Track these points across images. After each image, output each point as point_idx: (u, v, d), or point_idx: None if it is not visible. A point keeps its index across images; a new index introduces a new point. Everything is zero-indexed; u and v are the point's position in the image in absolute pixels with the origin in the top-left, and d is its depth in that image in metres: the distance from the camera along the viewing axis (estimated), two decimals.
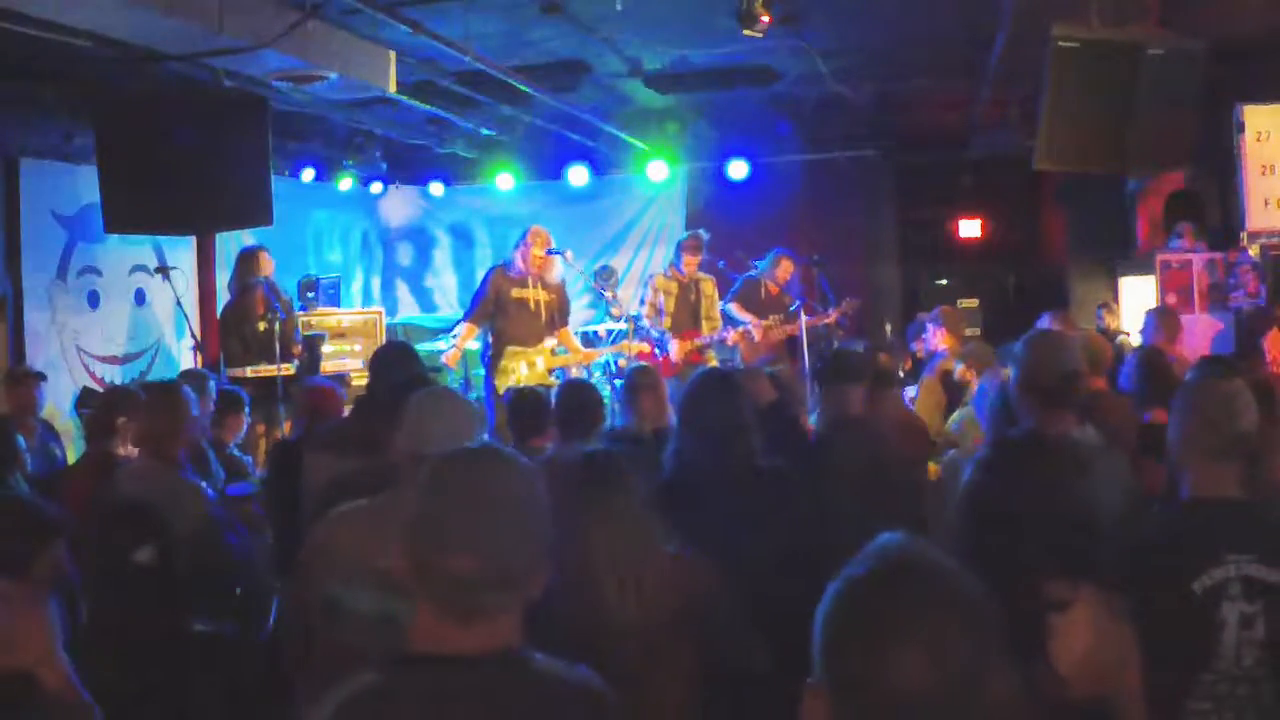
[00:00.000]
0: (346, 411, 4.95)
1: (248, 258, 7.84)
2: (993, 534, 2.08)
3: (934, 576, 1.26)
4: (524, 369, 7.41)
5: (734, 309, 8.49)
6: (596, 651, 2.44)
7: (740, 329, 8.25)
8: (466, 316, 7.67)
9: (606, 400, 8.07)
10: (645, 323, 8.21)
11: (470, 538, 1.58)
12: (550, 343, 7.62)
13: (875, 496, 3.47)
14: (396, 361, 4.47)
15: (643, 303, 8.43)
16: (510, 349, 7.46)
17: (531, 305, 7.50)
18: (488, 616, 1.60)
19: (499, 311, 7.50)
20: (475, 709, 1.58)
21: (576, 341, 7.94)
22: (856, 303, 8.34)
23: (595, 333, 9.52)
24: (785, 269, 8.46)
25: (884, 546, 1.30)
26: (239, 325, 7.69)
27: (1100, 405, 4.37)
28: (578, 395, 4.20)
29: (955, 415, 5.46)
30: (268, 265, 7.74)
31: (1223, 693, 2.33)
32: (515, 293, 7.48)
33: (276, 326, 7.34)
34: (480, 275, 11.02)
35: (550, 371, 7.50)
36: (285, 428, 6.74)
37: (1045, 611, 2.00)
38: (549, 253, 7.59)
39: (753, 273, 8.55)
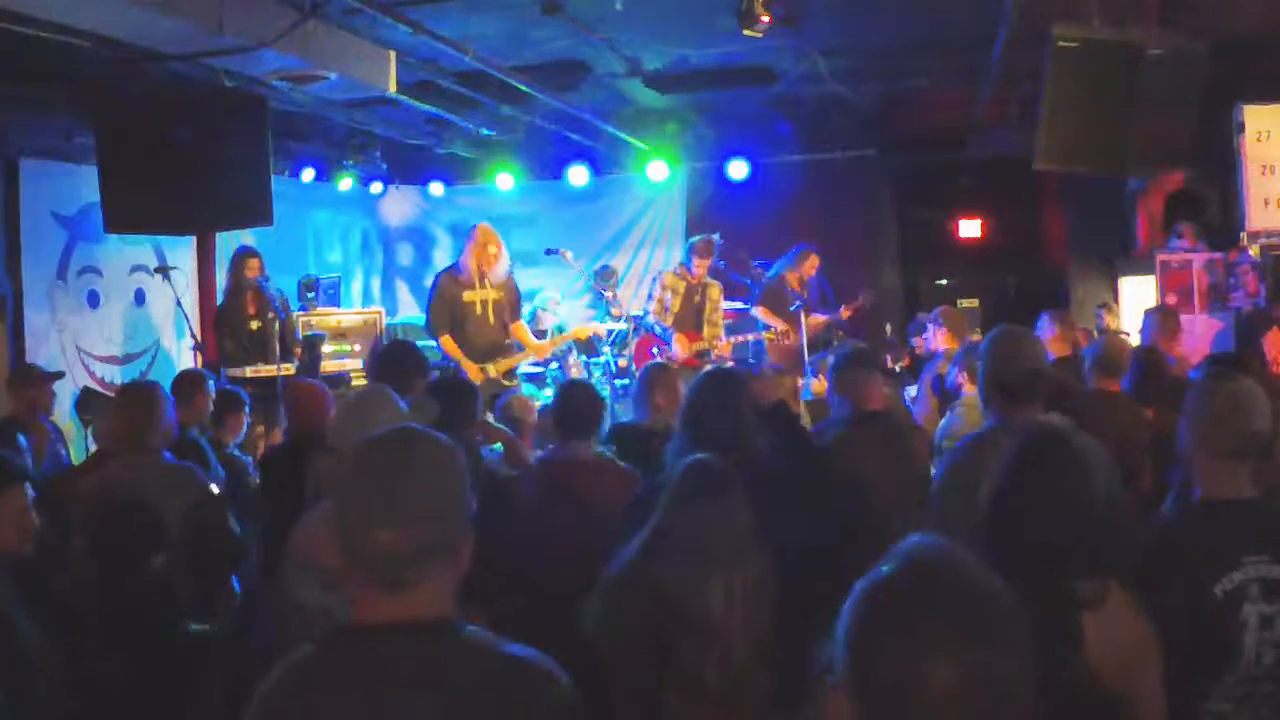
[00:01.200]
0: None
1: (234, 261, 7.87)
2: (1021, 532, 2.08)
3: (964, 581, 1.24)
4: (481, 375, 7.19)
5: (760, 313, 8.49)
6: (699, 655, 2.48)
7: (770, 330, 8.26)
8: (436, 332, 7.20)
9: (606, 400, 8.09)
10: (651, 319, 8.19)
11: (390, 512, 1.66)
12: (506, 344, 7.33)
13: (902, 490, 3.48)
14: (397, 360, 4.48)
15: (650, 298, 8.42)
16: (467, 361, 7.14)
17: (478, 308, 7.19)
18: (414, 587, 1.67)
19: (454, 318, 7.18)
20: (404, 673, 1.64)
21: (530, 336, 7.64)
22: (873, 295, 8.39)
23: (595, 333, 9.51)
24: (812, 264, 8.55)
25: (913, 548, 1.28)
26: (232, 326, 7.69)
27: (1111, 406, 4.45)
28: (577, 396, 4.19)
29: (941, 423, 5.45)
30: (252, 268, 7.72)
31: (1242, 694, 2.34)
32: (466, 296, 7.18)
33: (275, 327, 7.35)
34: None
35: (507, 373, 7.24)
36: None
37: (1078, 610, 2.01)
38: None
39: (778, 269, 8.58)
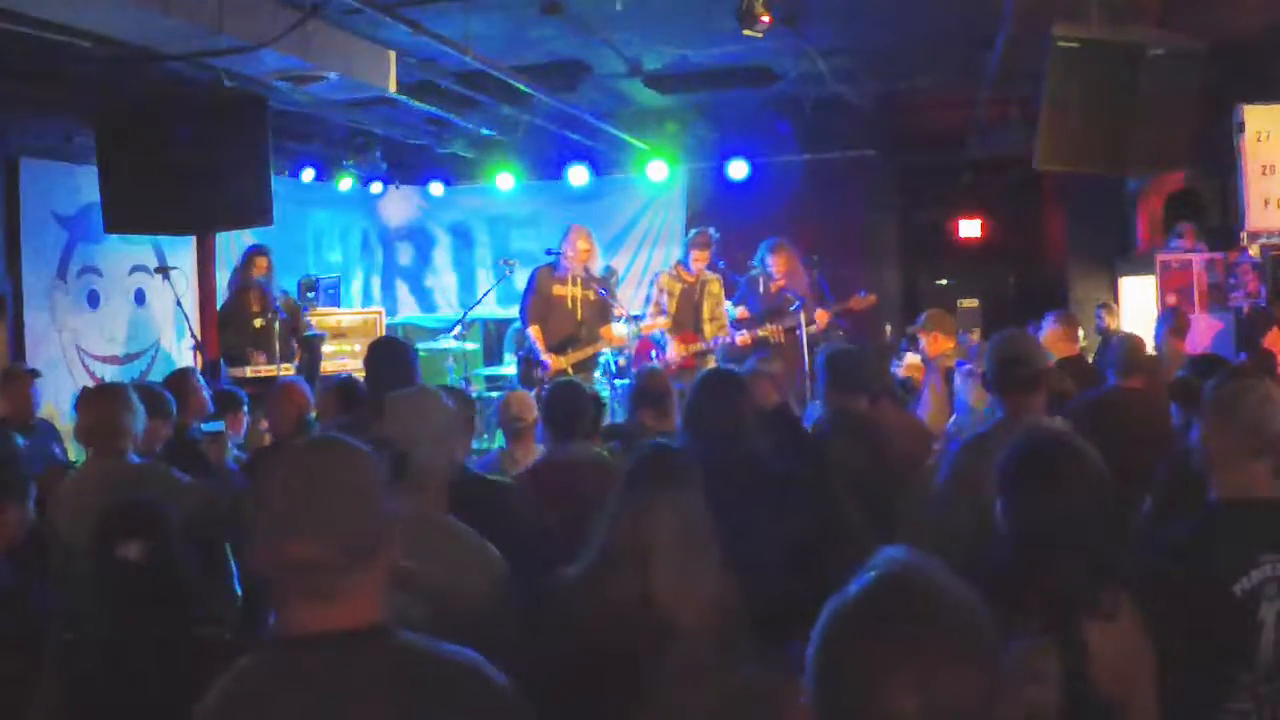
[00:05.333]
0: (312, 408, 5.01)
1: (243, 258, 7.98)
2: (1034, 546, 2.08)
3: (933, 601, 1.20)
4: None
5: (735, 310, 8.44)
6: (641, 643, 2.45)
7: (743, 333, 8.17)
8: (527, 322, 7.67)
9: (606, 400, 8.09)
10: (647, 320, 8.17)
11: (306, 523, 1.66)
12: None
13: (876, 497, 3.48)
14: (388, 360, 4.49)
15: (648, 301, 8.42)
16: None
17: (568, 303, 7.59)
18: (336, 595, 1.66)
19: (544, 310, 7.61)
20: (338, 684, 1.64)
21: (616, 337, 7.96)
22: (868, 300, 8.15)
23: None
24: (779, 261, 8.11)
25: (883, 565, 1.24)
26: (235, 323, 7.70)
27: (1134, 403, 4.51)
28: (568, 396, 4.18)
29: (951, 420, 5.47)
30: (260, 267, 7.77)
31: (1262, 693, 2.35)
32: (556, 290, 7.61)
33: (276, 326, 7.35)
34: (482, 279, 11.11)
35: (576, 364, 7.52)
36: None
37: (1088, 621, 2.00)
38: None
39: (751, 272, 8.46)
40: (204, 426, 4.40)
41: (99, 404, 4.07)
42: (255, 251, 7.92)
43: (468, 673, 1.72)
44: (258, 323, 7.62)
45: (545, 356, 7.50)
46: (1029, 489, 2.17)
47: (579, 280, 7.63)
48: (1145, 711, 2.08)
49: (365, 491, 1.72)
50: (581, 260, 7.58)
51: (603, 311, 7.81)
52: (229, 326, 7.77)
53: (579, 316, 7.62)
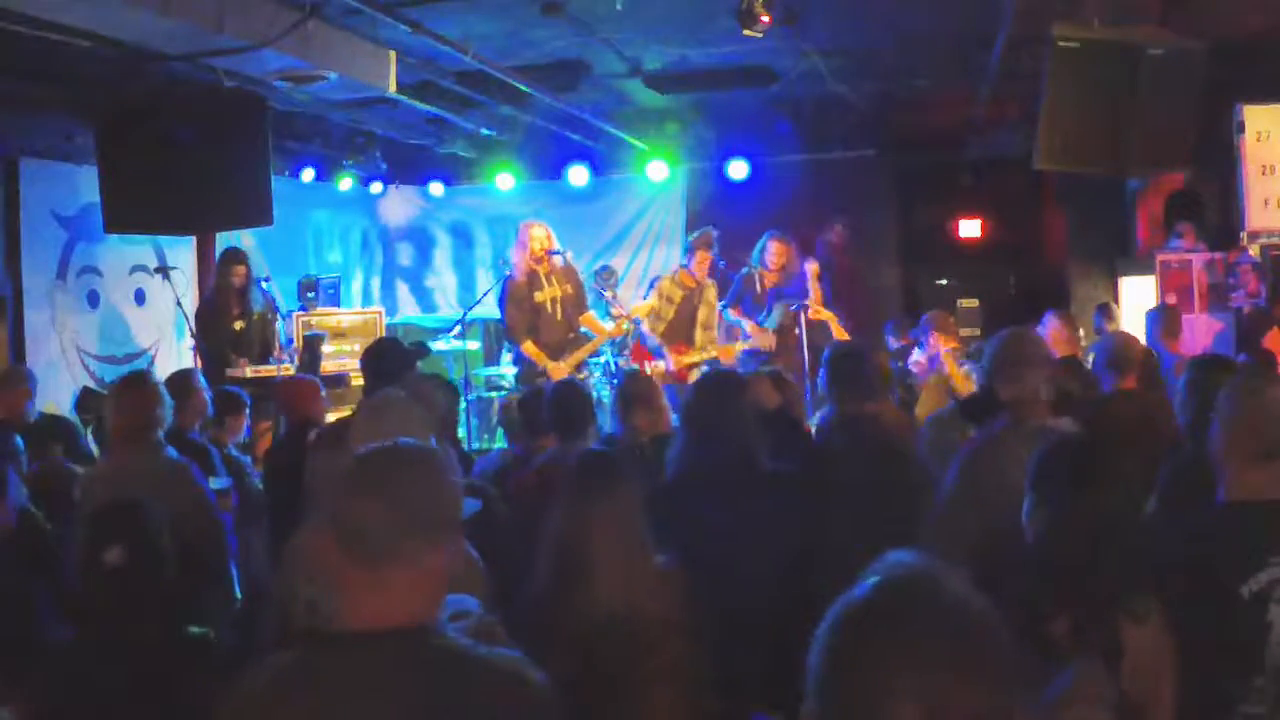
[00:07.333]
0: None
1: (219, 262, 7.85)
2: (1070, 551, 2.08)
3: (939, 607, 1.17)
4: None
5: (731, 313, 8.42)
6: (581, 646, 2.47)
7: (739, 336, 8.18)
8: (518, 339, 7.40)
9: (606, 401, 8.08)
10: (645, 327, 8.13)
11: (376, 485, 1.72)
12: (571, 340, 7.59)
13: (882, 496, 3.48)
14: (387, 358, 4.50)
15: (646, 300, 8.41)
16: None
17: (549, 307, 7.46)
18: (392, 563, 1.68)
19: (533, 319, 7.40)
20: (376, 681, 1.65)
21: (600, 323, 7.88)
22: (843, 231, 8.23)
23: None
24: (774, 253, 8.09)
25: (888, 570, 1.21)
26: (214, 326, 7.59)
27: (1136, 405, 4.49)
28: (569, 397, 4.20)
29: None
30: (239, 275, 7.61)
31: (1274, 694, 2.34)
32: (537, 296, 7.44)
33: (262, 329, 7.32)
34: (482, 279, 11.09)
35: (577, 366, 7.46)
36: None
37: (1121, 625, 2.00)
38: (548, 252, 7.55)
39: (745, 269, 8.39)
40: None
41: (135, 396, 4.08)
42: (231, 259, 7.74)
43: (507, 673, 1.73)
44: (237, 325, 7.57)
45: (550, 369, 7.27)
46: (1067, 491, 2.17)
47: (554, 280, 7.50)
48: (1166, 710, 2.09)
49: (441, 483, 1.79)
50: (543, 247, 7.40)
51: (579, 301, 7.68)
52: (207, 330, 7.62)
53: (558, 317, 7.50)
